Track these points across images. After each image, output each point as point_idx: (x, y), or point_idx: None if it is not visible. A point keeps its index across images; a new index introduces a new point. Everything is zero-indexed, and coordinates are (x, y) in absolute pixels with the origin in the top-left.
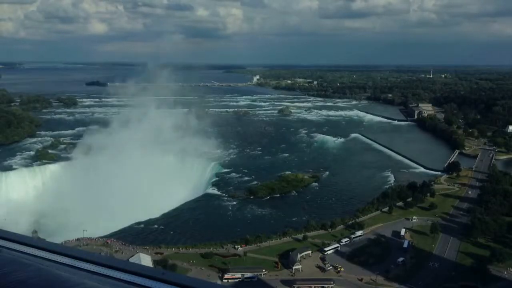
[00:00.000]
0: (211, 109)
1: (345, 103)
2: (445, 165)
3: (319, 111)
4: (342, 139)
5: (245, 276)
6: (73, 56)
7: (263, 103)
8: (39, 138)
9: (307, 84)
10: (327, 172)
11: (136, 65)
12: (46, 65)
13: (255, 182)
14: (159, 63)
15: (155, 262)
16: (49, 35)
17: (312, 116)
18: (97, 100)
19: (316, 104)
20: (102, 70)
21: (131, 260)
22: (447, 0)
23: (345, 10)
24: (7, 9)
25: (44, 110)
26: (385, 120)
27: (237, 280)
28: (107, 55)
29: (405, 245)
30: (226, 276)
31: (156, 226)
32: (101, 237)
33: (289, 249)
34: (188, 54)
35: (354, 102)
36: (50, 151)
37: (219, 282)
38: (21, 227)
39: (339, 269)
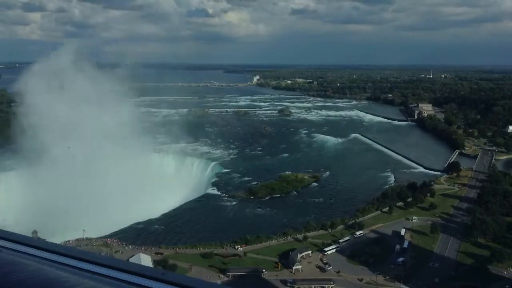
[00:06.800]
0: (211, 109)
1: (345, 103)
2: (445, 165)
3: (319, 111)
4: (342, 139)
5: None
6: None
7: (263, 103)
8: None
9: (307, 84)
10: (327, 172)
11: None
12: None
13: (255, 182)
14: (159, 63)
15: (155, 262)
16: (56, 37)
17: (312, 116)
18: None
19: (316, 104)
20: None
21: (131, 260)
22: (447, 7)
23: (345, 16)
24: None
25: None
26: (385, 120)
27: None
28: (111, 55)
29: (405, 245)
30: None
31: (156, 226)
32: (101, 237)
33: (289, 249)
34: (189, 55)
35: (354, 102)
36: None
37: (219, 282)
38: (21, 227)
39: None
